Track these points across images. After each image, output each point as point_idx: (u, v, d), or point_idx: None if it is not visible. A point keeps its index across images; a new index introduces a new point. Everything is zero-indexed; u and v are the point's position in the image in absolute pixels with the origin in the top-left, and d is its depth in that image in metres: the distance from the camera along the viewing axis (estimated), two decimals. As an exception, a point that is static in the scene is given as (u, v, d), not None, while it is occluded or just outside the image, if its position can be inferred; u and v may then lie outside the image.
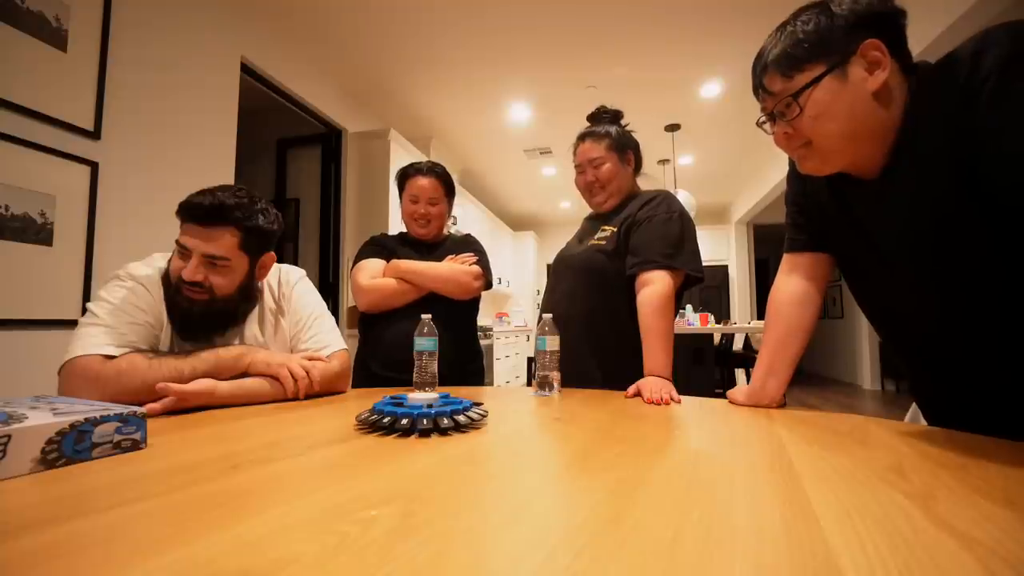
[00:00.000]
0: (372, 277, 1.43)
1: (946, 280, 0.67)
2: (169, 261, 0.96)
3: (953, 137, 0.60)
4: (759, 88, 0.74)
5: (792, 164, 0.89)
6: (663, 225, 1.22)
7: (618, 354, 1.24)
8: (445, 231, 1.62)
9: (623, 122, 1.39)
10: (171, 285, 0.93)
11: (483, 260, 1.55)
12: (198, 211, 0.90)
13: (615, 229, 1.28)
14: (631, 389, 1.06)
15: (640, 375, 1.12)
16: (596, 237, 1.32)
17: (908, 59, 0.67)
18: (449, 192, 1.56)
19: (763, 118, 0.76)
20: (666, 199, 1.28)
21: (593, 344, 1.26)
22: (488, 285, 1.54)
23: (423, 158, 3.98)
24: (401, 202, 1.56)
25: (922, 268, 0.69)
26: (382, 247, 1.53)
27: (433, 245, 1.57)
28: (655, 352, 1.13)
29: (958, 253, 0.65)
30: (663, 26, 2.85)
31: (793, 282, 0.91)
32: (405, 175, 1.55)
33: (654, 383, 1.04)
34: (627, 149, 1.34)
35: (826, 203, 0.81)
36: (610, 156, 1.32)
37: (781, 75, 0.69)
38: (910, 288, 0.72)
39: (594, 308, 1.28)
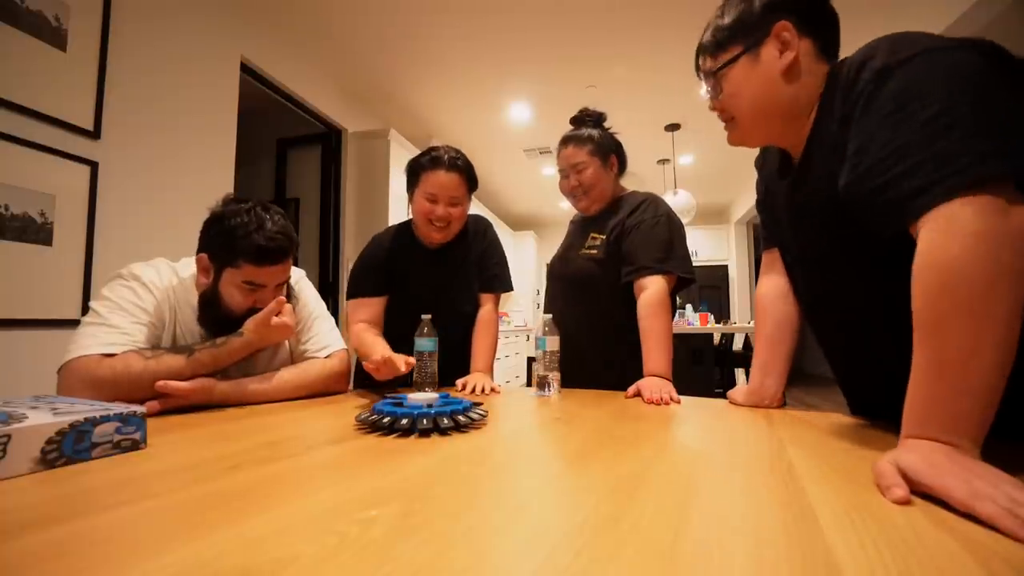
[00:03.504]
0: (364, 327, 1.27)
1: (818, 282, 0.75)
2: (194, 278, 0.98)
3: (836, 144, 0.62)
4: (697, 69, 0.81)
5: (756, 164, 0.93)
6: (651, 231, 1.24)
7: (617, 360, 1.25)
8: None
9: (606, 124, 1.38)
10: (230, 315, 0.95)
11: (501, 258, 1.42)
12: (275, 254, 0.94)
13: (604, 237, 1.30)
14: (631, 389, 1.06)
15: (639, 379, 1.12)
16: (587, 246, 1.33)
17: (829, 43, 0.70)
18: (472, 188, 1.32)
19: (707, 96, 0.81)
20: (652, 203, 1.29)
21: (592, 352, 1.28)
22: (509, 287, 1.42)
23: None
24: (412, 197, 1.30)
25: (806, 263, 0.77)
26: (380, 276, 1.32)
27: (445, 249, 1.34)
28: (653, 353, 1.14)
29: (826, 258, 0.71)
30: (663, 26, 2.85)
31: (773, 278, 0.93)
32: (420, 167, 1.27)
33: (654, 383, 1.05)
34: (609, 153, 1.33)
35: (773, 197, 0.85)
36: (592, 161, 1.31)
37: (710, 56, 0.77)
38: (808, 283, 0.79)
39: (590, 315, 1.30)
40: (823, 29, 0.70)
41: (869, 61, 0.58)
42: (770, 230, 0.92)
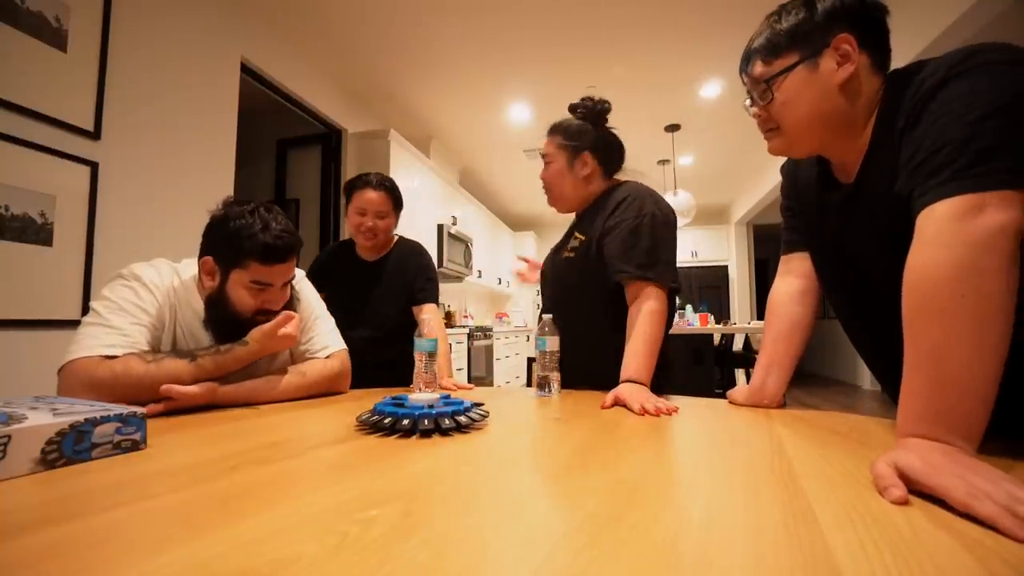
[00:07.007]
0: None
1: (875, 295, 0.70)
2: (195, 279, 0.99)
3: (894, 156, 0.61)
4: (743, 71, 0.78)
5: (783, 170, 0.91)
6: (628, 235, 1.10)
7: (597, 372, 1.11)
8: (393, 239, 1.66)
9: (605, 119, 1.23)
10: (238, 316, 0.96)
11: (431, 276, 1.59)
12: (282, 252, 0.95)
13: (585, 238, 1.18)
14: (608, 399, 0.93)
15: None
16: (568, 247, 1.22)
17: (883, 57, 0.69)
18: (397, 206, 1.59)
19: (748, 100, 0.79)
20: (636, 201, 1.14)
21: (581, 355, 1.15)
22: (434, 301, 1.60)
23: (423, 158, 4.00)
24: (347, 213, 1.56)
25: (864, 278, 0.73)
26: (322, 277, 1.50)
27: (379, 262, 1.60)
28: (634, 357, 1.02)
29: (879, 268, 0.68)
30: (663, 26, 2.85)
31: (789, 282, 0.92)
32: (353, 187, 1.55)
33: (633, 391, 0.93)
34: (582, 150, 1.17)
35: (809, 204, 0.83)
36: (558, 156, 1.19)
37: (762, 61, 0.74)
38: (859, 294, 0.75)
39: (572, 321, 1.16)
40: (880, 43, 0.69)
41: (933, 75, 0.57)
42: (797, 235, 0.90)
